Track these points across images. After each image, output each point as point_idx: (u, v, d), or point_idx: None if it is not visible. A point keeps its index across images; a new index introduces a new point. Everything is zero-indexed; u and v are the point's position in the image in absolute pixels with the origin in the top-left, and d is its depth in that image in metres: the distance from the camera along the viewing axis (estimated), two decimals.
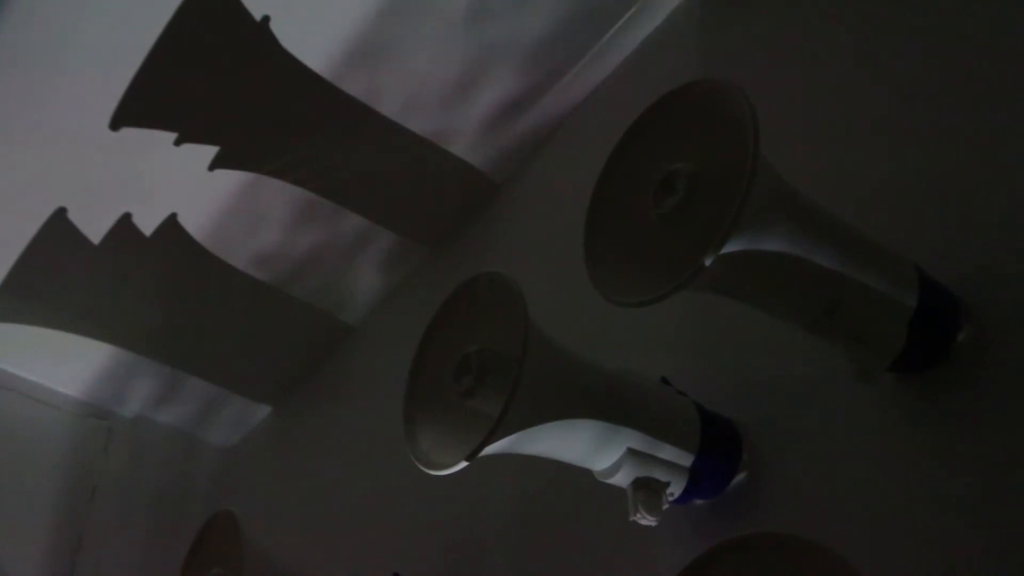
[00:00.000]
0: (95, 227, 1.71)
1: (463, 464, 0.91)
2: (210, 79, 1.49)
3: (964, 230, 0.96)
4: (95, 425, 2.28)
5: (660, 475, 0.99)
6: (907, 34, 1.12)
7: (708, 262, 0.79)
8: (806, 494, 0.99)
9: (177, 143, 1.52)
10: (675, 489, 1.01)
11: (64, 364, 2.16)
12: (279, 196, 1.81)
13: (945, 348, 0.91)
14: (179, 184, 1.74)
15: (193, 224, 1.78)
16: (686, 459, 1.01)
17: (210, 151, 1.55)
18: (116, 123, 1.47)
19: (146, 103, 1.47)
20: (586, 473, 1.02)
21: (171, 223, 1.74)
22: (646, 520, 0.99)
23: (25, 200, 1.73)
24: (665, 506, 1.00)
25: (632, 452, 0.98)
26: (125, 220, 1.71)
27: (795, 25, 1.28)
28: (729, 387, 1.09)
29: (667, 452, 0.99)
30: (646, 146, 0.91)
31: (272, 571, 1.17)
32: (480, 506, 1.36)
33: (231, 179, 1.74)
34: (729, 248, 0.80)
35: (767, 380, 1.07)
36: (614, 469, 0.98)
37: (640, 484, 0.99)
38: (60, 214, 1.69)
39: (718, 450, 1.02)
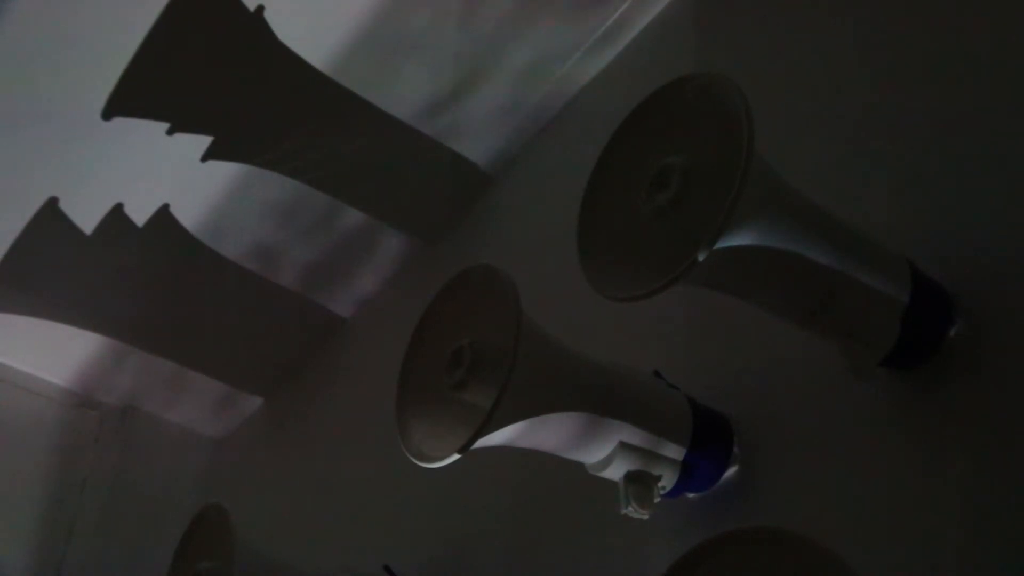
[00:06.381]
0: (87, 217, 1.70)
1: (455, 457, 0.91)
2: (204, 69, 1.49)
3: (957, 226, 0.96)
4: (85, 415, 2.27)
5: (652, 469, 1.00)
6: (902, 29, 1.12)
7: (701, 257, 0.79)
8: (797, 488, 0.99)
9: (170, 133, 1.51)
10: (667, 483, 1.01)
11: (54, 354, 2.15)
12: (272, 187, 1.80)
13: (937, 343, 0.91)
14: (172, 174, 1.74)
15: (185, 215, 1.77)
16: (678, 453, 1.01)
17: (203, 141, 1.54)
18: (109, 113, 1.47)
19: (139, 93, 1.47)
20: (578, 466, 1.02)
21: (163, 214, 1.73)
22: (638, 513, 0.99)
23: (17, 190, 1.72)
24: (657, 500, 1.00)
25: (624, 445, 0.98)
26: (117, 210, 1.71)
27: (790, 20, 1.28)
28: (721, 381, 1.09)
29: (659, 446, 1.00)
30: (640, 140, 0.90)
31: (262, 564, 1.17)
32: (471, 499, 1.36)
33: (224, 170, 1.74)
34: (722, 243, 0.80)
35: (759, 374, 1.07)
36: (606, 462, 0.98)
37: (632, 477, 0.99)
38: (52, 204, 1.69)
39: (710, 444, 1.02)
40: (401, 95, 1.69)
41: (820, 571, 0.65)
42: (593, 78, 1.59)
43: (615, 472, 0.99)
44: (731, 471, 1.04)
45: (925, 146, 1.03)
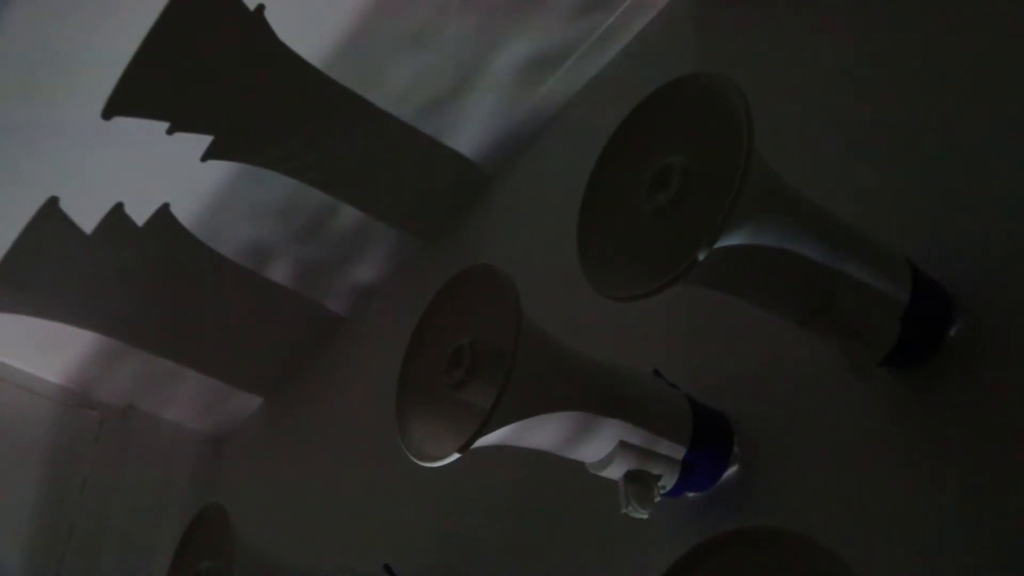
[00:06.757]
0: (87, 217, 1.70)
1: (455, 456, 0.91)
2: (204, 69, 1.48)
3: (957, 225, 0.96)
4: (85, 415, 2.27)
5: (652, 468, 1.00)
6: (902, 29, 1.12)
7: (701, 257, 0.79)
8: (797, 488, 0.99)
9: (170, 132, 1.51)
10: (667, 482, 1.01)
11: (55, 353, 2.14)
12: (272, 187, 1.80)
13: (937, 343, 0.91)
14: (172, 174, 1.73)
15: (186, 214, 1.77)
16: (678, 452, 1.01)
17: (203, 141, 1.54)
18: (109, 112, 1.46)
19: (139, 93, 1.47)
20: (578, 466, 1.02)
21: (163, 213, 1.73)
22: (638, 513, 0.99)
23: (17, 190, 1.72)
24: (657, 499, 1.00)
25: (624, 445, 0.98)
26: (117, 210, 1.71)
27: (790, 19, 1.27)
28: (721, 380, 1.09)
29: (659, 445, 1.00)
30: (640, 139, 0.90)
31: (262, 564, 1.17)
32: (472, 498, 1.36)
33: (224, 169, 1.74)
34: (722, 243, 0.80)
35: (759, 374, 1.07)
36: (606, 462, 0.98)
37: (632, 477, 0.99)
38: (52, 203, 1.69)
39: (710, 443, 1.02)
40: (401, 94, 1.69)
41: (820, 571, 0.65)
42: (593, 78, 1.59)
43: (615, 471, 0.99)
44: (731, 471, 1.04)
45: (925, 146, 1.03)
